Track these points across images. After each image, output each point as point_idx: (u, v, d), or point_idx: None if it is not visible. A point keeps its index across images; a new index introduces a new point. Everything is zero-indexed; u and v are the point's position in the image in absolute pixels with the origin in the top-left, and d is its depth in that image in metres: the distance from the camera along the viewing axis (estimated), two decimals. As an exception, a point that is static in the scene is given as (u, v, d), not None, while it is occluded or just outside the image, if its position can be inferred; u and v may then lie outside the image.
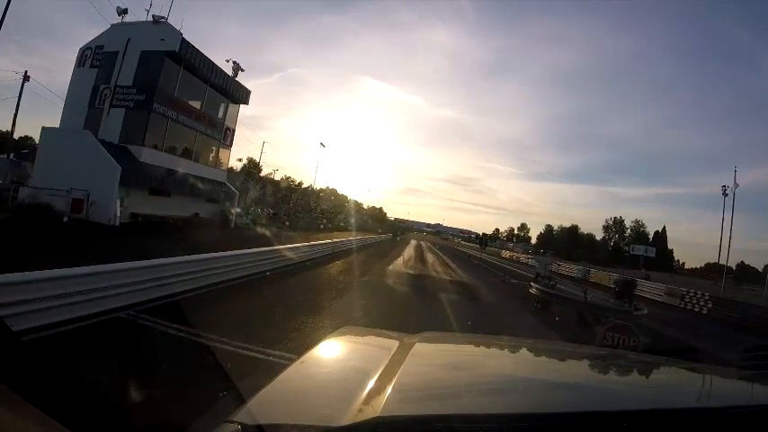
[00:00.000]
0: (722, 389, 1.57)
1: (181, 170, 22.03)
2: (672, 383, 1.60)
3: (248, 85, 28.62)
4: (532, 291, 12.37)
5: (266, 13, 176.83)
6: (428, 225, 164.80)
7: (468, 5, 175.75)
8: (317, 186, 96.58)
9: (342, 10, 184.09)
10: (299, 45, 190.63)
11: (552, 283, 12.66)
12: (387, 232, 62.40)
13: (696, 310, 21.50)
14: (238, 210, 29.09)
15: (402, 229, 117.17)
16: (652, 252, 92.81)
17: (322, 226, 49.39)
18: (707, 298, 22.04)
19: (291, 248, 14.15)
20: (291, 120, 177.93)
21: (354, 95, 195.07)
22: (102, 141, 19.09)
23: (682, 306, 21.96)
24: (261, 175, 70.77)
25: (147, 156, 20.18)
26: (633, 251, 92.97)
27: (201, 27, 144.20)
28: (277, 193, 57.48)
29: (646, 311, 11.13)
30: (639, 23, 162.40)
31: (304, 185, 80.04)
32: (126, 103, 20.46)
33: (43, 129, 20.51)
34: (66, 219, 15.39)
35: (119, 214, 17.43)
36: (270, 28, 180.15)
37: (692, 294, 22.27)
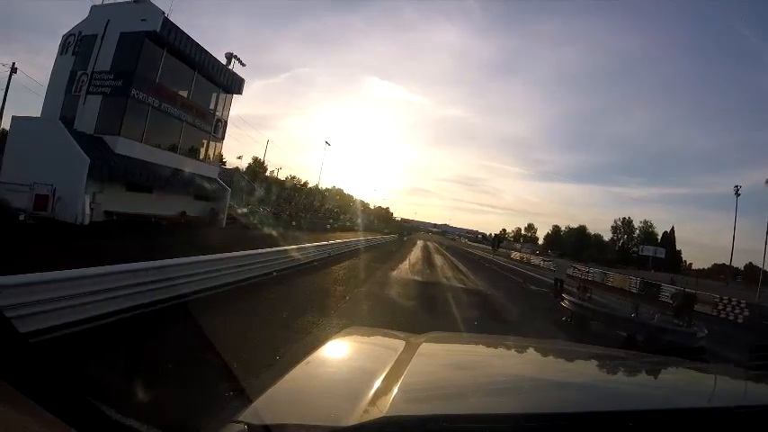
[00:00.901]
0: (729, 389, 1.54)
1: (164, 164, 20.03)
2: (679, 383, 1.56)
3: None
4: (565, 303, 10.30)
5: (273, 13, 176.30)
6: (434, 225, 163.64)
7: (474, 5, 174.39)
8: (323, 186, 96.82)
9: (348, 10, 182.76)
10: (305, 45, 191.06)
11: (588, 294, 10.56)
12: (393, 232, 60.02)
13: (731, 318, 19.44)
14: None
15: (408, 230, 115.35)
16: (662, 253, 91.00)
17: (328, 226, 47.61)
18: (743, 305, 19.97)
19: (297, 249, 12.92)
20: (298, 119, 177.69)
21: (361, 95, 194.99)
22: (75, 131, 17.18)
23: (715, 315, 19.81)
24: (266, 174, 70.55)
25: (124, 147, 18.18)
26: (643, 252, 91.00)
27: (208, 26, 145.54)
28: (281, 192, 56.08)
29: (706, 332, 9.08)
30: (646, 22, 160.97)
31: (310, 185, 79.34)
32: (103, 90, 18.46)
33: (13, 118, 18.71)
34: (22, 217, 13.48)
35: (88, 212, 15.51)
36: (276, 28, 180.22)
37: (726, 302, 20.39)
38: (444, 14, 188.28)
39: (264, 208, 37.60)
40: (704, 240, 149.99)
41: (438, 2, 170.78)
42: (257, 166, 71.86)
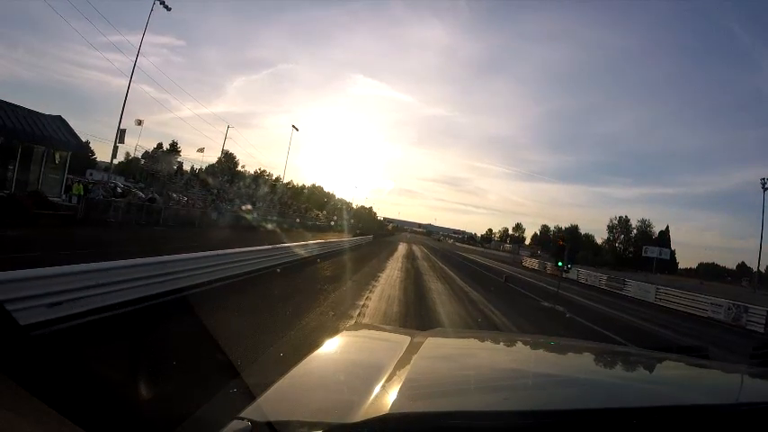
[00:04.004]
0: (732, 386, 1.51)
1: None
2: (681, 380, 1.54)
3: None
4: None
5: (255, 7, 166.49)
6: (419, 225, 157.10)
7: (461, 2, 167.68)
8: (300, 183, 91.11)
9: (333, 4, 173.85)
10: (288, 40, 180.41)
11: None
12: (367, 233, 49.28)
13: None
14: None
15: (381, 228, 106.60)
16: (666, 254, 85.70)
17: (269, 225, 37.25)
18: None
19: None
20: (280, 117, 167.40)
21: (345, 93, 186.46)
22: None
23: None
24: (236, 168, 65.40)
25: None
26: (647, 253, 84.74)
27: (189, 20, 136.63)
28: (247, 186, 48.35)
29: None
30: (633, 22, 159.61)
31: (284, 180, 73.07)
32: None
33: None
34: None
35: None
36: (258, 22, 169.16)
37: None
38: (431, 10, 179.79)
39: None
40: (689, 239, 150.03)
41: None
42: (228, 161, 67.83)
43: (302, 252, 15.55)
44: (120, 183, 35.62)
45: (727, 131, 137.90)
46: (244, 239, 15.17)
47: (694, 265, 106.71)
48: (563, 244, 12.51)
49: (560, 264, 12.30)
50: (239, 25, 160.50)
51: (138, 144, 39.74)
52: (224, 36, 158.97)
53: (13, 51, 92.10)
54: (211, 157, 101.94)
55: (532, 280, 25.06)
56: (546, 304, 13.00)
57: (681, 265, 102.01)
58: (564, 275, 13.41)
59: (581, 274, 31.05)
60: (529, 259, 53.40)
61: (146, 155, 37.95)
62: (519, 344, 2.11)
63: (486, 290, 15.21)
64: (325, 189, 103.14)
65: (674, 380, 1.52)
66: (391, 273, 16.65)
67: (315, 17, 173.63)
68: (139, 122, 35.16)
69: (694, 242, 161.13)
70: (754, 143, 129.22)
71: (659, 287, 22.31)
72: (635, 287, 23.60)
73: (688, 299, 20.18)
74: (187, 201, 31.83)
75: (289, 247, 14.25)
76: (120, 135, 34.26)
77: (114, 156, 34.93)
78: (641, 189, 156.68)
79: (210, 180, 38.47)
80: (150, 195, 23.77)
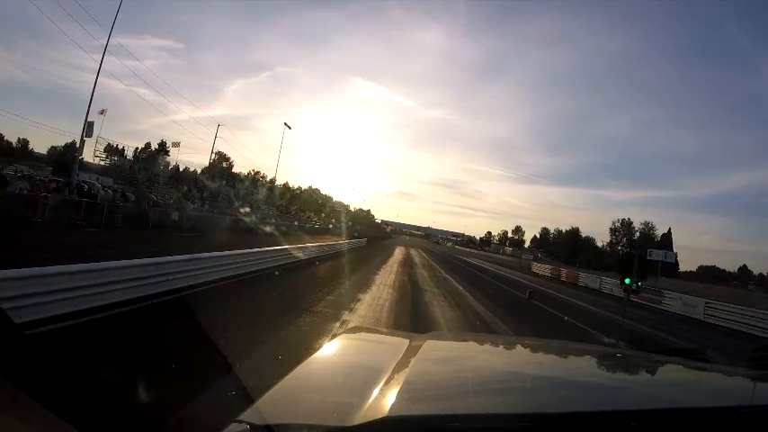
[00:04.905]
0: (731, 389, 1.50)
1: None
2: (680, 383, 1.52)
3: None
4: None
5: (254, 10, 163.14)
6: (417, 228, 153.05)
7: (460, 4, 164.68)
8: (296, 185, 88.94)
9: (331, 7, 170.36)
10: (287, 43, 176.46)
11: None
12: (363, 236, 46.10)
13: None
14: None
15: (380, 230, 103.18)
16: (672, 257, 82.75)
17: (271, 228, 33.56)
18: None
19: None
20: (279, 120, 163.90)
21: (343, 96, 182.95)
22: None
23: None
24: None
25: None
26: (651, 256, 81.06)
27: (188, 22, 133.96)
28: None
29: None
30: (631, 25, 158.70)
31: (278, 182, 70.63)
32: None
33: None
34: None
35: None
36: (257, 25, 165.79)
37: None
38: (429, 13, 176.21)
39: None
40: (687, 242, 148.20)
41: (424, 1, 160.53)
42: (221, 161, 66.86)
43: (282, 259, 11.83)
44: (95, 181, 32.07)
45: (725, 134, 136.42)
46: (179, 245, 11.58)
47: (693, 268, 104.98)
48: (632, 252, 8.80)
49: (628, 281, 8.68)
50: (238, 28, 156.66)
51: (99, 136, 34.46)
52: (222, 39, 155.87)
53: (12, 54, 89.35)
54: (205, 159, 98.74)
55: (558, 293, 21.38)
56: (607, 340, 9.06)
57: (680, 268, 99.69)
58: (632, 298, 9.73)
59: (604, 282, 27.52)
60: (537, 264, 49.51)
61: (108, 148, 34.28)
62: (517, 346, 2.08)
63: (512, 315, 11.43)
64: (323, 191, 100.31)
65: (673, 382, 1.49)
66: (380, 292, 12.28)
67: (313, 20, 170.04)
68: (102, 112, 31.50)
69: (692, 245, 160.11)
70: (752, 146, 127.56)
71: (708, 301, 18.71)
72: (677, 301, 19.98)
73: (744, 315, 16.68)
74: (171, 202, 28.30)
75: (243, 254, 10.49)
76: (88, 128, 30.60)
77: (81, 150, 31.40)
78: (639, 192, 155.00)
79: (180, 177, 34.86)
80: (92, 191, 19.97)
